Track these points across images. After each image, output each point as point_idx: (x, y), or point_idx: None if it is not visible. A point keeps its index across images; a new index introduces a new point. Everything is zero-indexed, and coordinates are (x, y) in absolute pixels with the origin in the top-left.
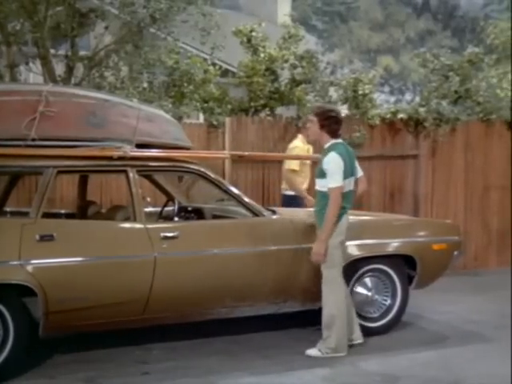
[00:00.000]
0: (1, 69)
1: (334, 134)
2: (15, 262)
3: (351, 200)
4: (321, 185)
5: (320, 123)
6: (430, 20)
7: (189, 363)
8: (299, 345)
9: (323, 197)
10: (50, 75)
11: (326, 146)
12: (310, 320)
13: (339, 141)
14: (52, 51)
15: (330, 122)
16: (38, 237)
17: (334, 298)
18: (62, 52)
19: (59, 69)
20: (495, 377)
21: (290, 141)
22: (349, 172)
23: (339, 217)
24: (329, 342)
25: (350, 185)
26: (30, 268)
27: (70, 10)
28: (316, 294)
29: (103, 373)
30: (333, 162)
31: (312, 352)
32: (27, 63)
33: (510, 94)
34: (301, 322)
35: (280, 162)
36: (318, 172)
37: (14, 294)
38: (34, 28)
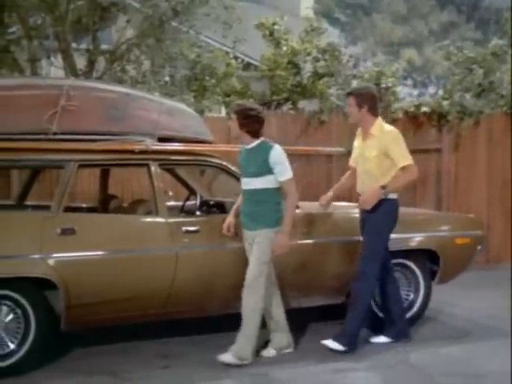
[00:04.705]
0: (22, 63)
1: (255, 134)
2: (36, 256)
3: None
4: (261, 182)
5: (239, 122)
6: (453, 12)
7: (210, 356)
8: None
9: (258, 194)
10: (71, 69)
11: (253, 145)
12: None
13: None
14: (73, 45)
15: (250, 122)
16: (59, 230)
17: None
18: (83, 46)
19: (80, 63)
20: None
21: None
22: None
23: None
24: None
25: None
26: (51, 261)
27: (92, 4)
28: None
29: (125, 366)
30: (282, 154)
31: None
32: (48, 57)
33: None
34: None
35: (301, 155)
36: (252, 171)
37: (36, 288)
38: (56, 22)
